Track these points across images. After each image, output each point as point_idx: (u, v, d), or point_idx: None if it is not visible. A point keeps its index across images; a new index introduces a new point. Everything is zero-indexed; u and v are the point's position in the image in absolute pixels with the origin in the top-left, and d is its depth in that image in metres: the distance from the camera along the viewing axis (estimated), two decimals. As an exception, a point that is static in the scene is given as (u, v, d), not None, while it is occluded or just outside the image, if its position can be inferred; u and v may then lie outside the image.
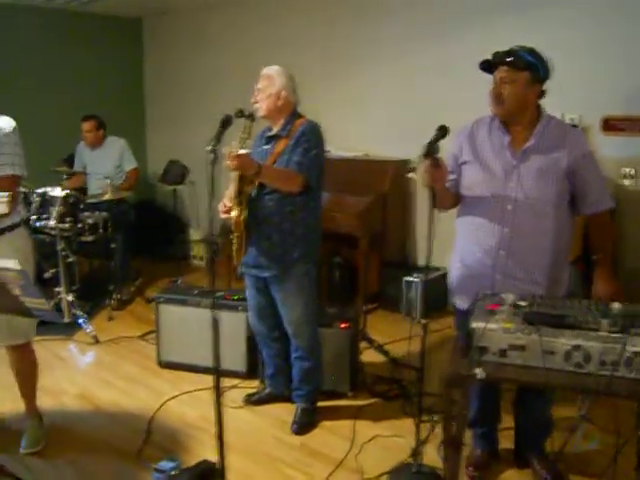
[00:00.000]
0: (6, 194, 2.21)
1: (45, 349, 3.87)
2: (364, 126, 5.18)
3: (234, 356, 3.64)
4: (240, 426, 3.17)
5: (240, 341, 3.63)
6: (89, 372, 3.87)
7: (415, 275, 4.62)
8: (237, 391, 3.54)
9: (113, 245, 4.81)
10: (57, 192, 4.31)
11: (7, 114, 2.76)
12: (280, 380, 3.36)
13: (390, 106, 5.03)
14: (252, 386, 3.58)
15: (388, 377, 3.66)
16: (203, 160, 2.22)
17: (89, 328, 4.29)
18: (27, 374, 2.98)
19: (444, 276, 3.25)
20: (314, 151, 2.89)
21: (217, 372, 2.34)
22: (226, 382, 3.60)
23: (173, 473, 2.71)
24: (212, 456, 2.57)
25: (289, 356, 3.27)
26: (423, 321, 2.80)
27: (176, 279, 5.23)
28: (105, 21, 6.57)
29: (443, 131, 2.37)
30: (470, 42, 4.41)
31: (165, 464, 2.74)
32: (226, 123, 2.40)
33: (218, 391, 2.35)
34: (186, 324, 3.68)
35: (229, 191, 2.96)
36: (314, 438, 3.10)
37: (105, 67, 6.54)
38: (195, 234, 6.00)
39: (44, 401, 3.18)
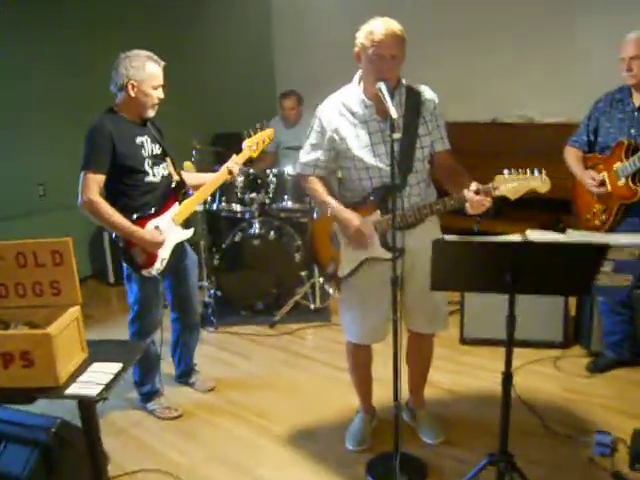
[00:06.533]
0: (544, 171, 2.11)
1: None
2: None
3: (549, 326, 3.62)
4: (607, 393, 3.18)
5: (558, 310, 3.58)
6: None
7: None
8: (565, 361, 3.53)
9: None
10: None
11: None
12: (626, 346, 3.36)
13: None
14: (575, 354, 3.58)
15: None
16: None
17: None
18: (426, 363, 2.90)
19: None
20: None
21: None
22: (541, 354, 3.60)
23: (614, 446, 2.71)
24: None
25: (634, 321, 3.28)
26: None
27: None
28: None
29: None
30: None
31: (602, 437, 2.72)
32: None
33: None
34: (487, 298, 3.53)
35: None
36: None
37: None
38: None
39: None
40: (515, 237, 1.94)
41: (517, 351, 3.48)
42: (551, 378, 3.36)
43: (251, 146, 3.26)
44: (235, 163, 3.18)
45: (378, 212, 2.48)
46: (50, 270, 2.00)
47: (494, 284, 2.06)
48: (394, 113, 2.18)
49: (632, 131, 2.96)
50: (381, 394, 2.99)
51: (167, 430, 3.08)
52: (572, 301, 3.71)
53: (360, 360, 2.82)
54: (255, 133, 3.31)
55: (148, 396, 3.22)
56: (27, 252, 2.00)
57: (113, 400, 3.36)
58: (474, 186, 2.24)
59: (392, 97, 2.36)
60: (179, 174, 3.09)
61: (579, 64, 4.56)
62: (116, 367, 1.93)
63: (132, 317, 3.08)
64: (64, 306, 1.98)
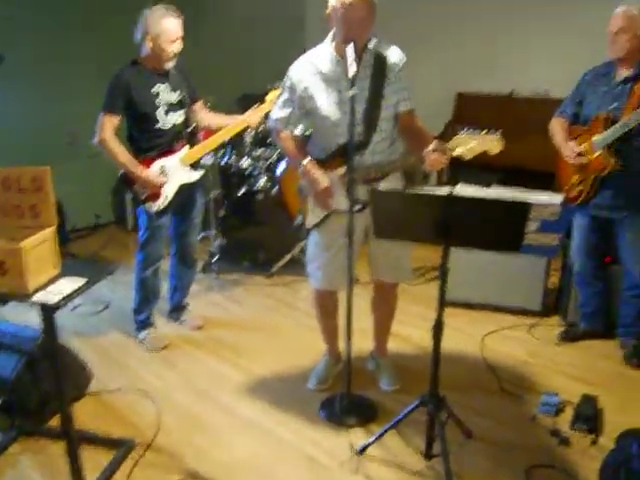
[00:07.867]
0: (498, 132, 2.22)
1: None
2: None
3: (529, 294, 3.72)
4: (571, 361, 3.29)
5: (538, 279, 3.68)
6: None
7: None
8: (540, 329, 3.63)
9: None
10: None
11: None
12: (599, 318, 3.44)
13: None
14: (551, 324, 3.68)
15: None
16: None
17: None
18: (390, 314, 3.07)
19: None
20: None
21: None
22: (518, 321, 3.71)
23: (560, 407, 2.83)
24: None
25: (609, 295, 3.38)
26: None
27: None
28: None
29: None
30: None
31: (549, 398, 2.85)
32: None
33: None
34: (472, 262, 3.64)
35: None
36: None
37: None
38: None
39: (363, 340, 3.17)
40: (444, 189, 2.07)
41: (495, 316, 3.74)
42: (520, 343, 3.48)
43: (273, 100, 3.42)
44: (251, 115, 3.38)
45: (344, 167, 2.63)
46: (30, 195, 2.25)
47: (429, 235, 2.21)
48: (351, 71, 2.33)
49: (614, 104, 3.01)
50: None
51: (151, 358, 3.36)
52: (556, 273, 3.80)
53: (326, 307, 3.01)
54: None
55: (142, 325, 3.51)
56: (12, 178, 2.26)
57: (110, 329, 3.69)
58: (432, 145, 2.38)
59: (360, 58, 2.51)
60: (197, 121, 3.40)
61: (593, 41, 4.58)
62: (81, 281, 2.18)
63: (139, 246, 3.38)
64: (41, 227, 2.23)
